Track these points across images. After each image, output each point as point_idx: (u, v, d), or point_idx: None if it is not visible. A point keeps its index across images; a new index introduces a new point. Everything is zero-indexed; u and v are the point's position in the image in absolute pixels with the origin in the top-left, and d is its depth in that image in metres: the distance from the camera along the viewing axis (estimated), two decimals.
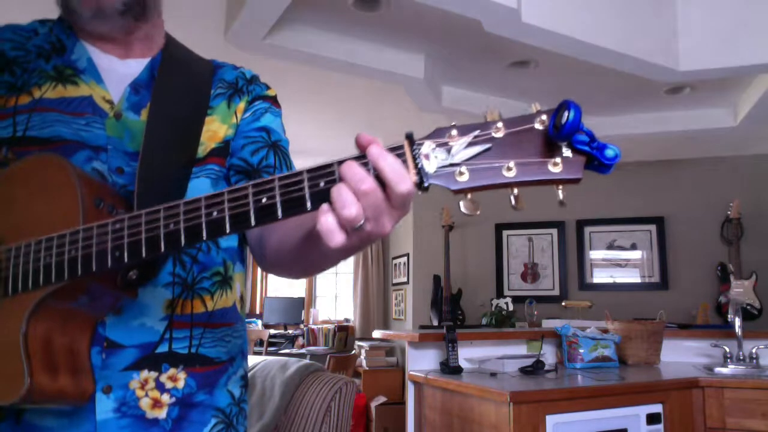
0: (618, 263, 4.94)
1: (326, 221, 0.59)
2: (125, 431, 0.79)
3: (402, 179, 0.58)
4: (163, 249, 0.66)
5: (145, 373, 0.81)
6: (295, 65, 3.16)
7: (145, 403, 0.81)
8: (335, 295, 6.95)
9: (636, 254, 4.90)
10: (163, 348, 0.83)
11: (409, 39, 3.11)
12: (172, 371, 0.83)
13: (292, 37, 2.91)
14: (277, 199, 0.61)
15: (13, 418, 0.78)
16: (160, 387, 0.82)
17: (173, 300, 0.85)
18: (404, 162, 0.59)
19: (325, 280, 6.98)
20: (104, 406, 0.78)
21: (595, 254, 4.99)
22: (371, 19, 2.89)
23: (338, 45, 3.04)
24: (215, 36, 2.85)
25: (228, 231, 0.63)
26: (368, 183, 0.58)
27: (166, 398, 0.82)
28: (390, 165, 0.58)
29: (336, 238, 0.59)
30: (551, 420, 1.94)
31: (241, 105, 0.97)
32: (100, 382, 0.78)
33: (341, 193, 0.58)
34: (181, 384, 0.84)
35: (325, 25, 2.94)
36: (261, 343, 5.73)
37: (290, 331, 6.37)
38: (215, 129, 0.92)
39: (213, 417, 0.87)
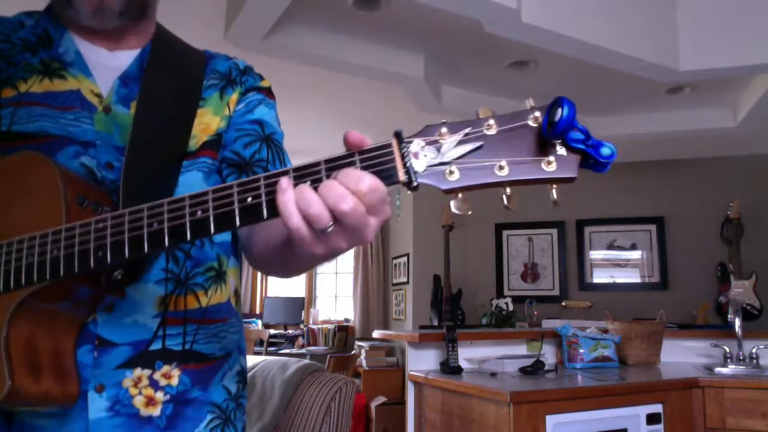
0: (618, 263, 4.92)
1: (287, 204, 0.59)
2: (118, 430, 0.77)
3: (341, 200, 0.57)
4: (146, 249, 0.64)
5: (138, 371, 0.80)
6: (294, 65, 3.15)
7: (138, 401, 0.79)
8: (335, 295, 6.94)
9: (636, 254, 4.89)
10: (156, 345, 0.81)
11: (409, 39, 3.10)
12: (165, 368, 0.82)
13: (292, 37, 2.90)
14: (263, 198, 0.60)
15: (3, 417, 0.77)
16: (154, 384, 0.81)
17: (166, 296, 0.83)
18: (392, 160, 0.58)
19: (325, 280, 6.97)
20: (97, 405, 0.77)
21: (595, 254, 4.97)
22: (371, 19, 2.89)
23: (338, 45, 3.04)
24: (215, 36, 2.84)
25: (213, 231, 0.62)
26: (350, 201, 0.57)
27: (160, 396, 0.81)
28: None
29: (293, 219, 0.58)
30: (551, 420, 1.94)
31: (234, 96, 0.94)
32: (92, 380, 0.77)
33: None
34: (175, 381, 0.82)
35: (325, 25, 2.94)
36: (261, 343, 5.72)
37: (290, 331, 6.37)
38: (207, 121, 0.90)
39: (209, 413, 0.86)
